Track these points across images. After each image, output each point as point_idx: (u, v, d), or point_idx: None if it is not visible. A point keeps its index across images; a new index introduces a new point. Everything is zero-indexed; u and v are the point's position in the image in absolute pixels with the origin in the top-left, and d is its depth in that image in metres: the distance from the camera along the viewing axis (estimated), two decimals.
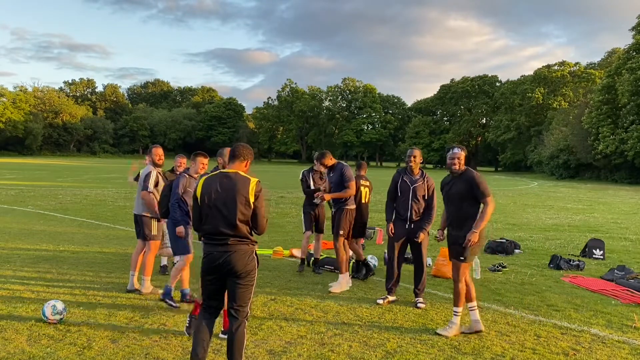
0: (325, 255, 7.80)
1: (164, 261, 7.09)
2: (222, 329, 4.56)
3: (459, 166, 4.94)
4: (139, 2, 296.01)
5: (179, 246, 5.48)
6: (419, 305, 5.67)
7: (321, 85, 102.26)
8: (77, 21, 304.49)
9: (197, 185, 3.60)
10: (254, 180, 3.51)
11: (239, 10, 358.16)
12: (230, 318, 3.52)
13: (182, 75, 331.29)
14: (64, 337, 4.43)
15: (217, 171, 3.64)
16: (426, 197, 5.83)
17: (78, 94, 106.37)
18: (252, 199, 3.46)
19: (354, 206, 6.59)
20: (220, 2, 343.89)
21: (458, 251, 4.86)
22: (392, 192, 5.93)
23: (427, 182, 5.87)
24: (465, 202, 4.86)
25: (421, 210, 5.82)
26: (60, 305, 4.78)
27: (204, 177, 3.62)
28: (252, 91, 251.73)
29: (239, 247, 3.46)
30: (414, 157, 5.80)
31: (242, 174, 3.56)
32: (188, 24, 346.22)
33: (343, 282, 6.30)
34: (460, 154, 4.94)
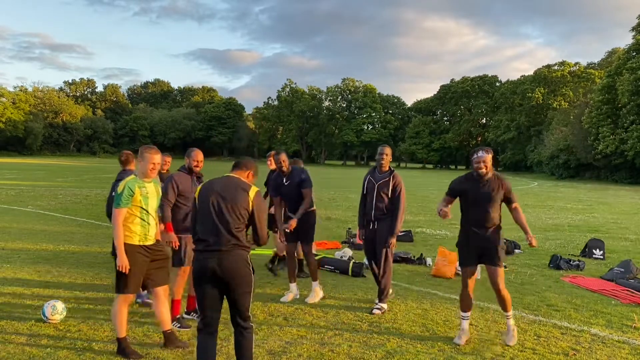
0: (322, 255, 7.80)
1: None
2: (187, 309, 5.02)
3: (486, 169, 4.61)
4: (112, 4, 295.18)
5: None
6: (373, 311, 5.39)
7: (306, 85, 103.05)
8: (55, 21, 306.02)
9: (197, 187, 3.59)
10: (254, 188, 3.49)
11: (212, 12, 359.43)
12: (235, 327, 3.46)
13: (167, 76, 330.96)
14: (64, 337, 4.43)
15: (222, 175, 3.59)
16: (390, 196, 5.46)
17: (78, 94, 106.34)
18: (250, 205, 3.43)
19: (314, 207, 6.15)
20: (194, 3, 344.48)
21: (493, 256, 4.61)
22: (361, 194, 5.75)
23: (393, 179, 5.48)
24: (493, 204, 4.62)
25: (385, 209, 5.47)
26: (60, 306, 4.78)
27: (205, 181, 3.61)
28: (239, 92, 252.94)
29: (234, 252, 3.36)
30: (385, 154, 5.54)
31: (243, 179, 3.55)
32: (164, 26, 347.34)
33: (318, 290, 5.91)
34: (484, 156, 4.61)
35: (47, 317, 4.72)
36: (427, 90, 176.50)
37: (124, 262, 3.97)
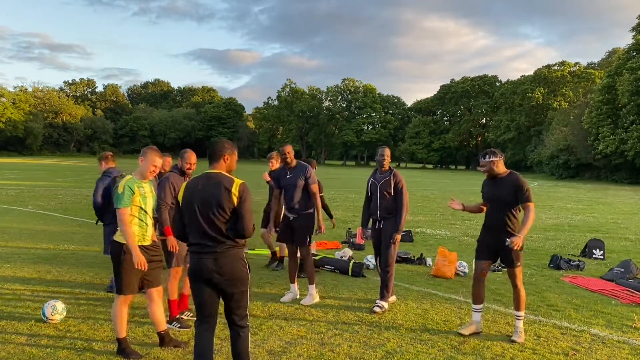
0: (322, 255, 7.80)
1: None
2: (169, 318, 4.80)
3: (489, 173, 4.78)
4: (112, 4, 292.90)
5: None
6: (374, 309, 5.40)
7: (306, 85, 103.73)
8: (55, 21, 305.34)
9: (180, 189, 3.50)
10: (237, 182, 3.34)
11: (212, 12, 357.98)
12: (232, 326, 3.42)
13: (167, 76, 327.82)
14: (64, 337, 4.43)
15: (201, 173, 3.46)
16: (393, 194, 5.56)
17: (78, 94, 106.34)
18: (235, 201, 3.28)
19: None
20: (193, 3, 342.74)
21: (507, 258, 4.72)
22: (366, 196, 5.87)
23: (394, 178, 5.59)
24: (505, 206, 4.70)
25: (389, 208, 5.57)
26: (60, 306, 4.79)
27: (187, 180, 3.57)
28: (239, 92, 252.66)
29: (229, 252, 3.30)
30: (386, 155, 5.68)
31: (225, 174, 3.40)
32: (164, 26, 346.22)
33: (314, 293, 5.84)
34: (484, 161, 4.76)
35: (47, 317, 4.72)
36: (427, 90, 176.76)
37: (140, 259, 3.98)
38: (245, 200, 3.32)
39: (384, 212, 5.63)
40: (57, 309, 4.75)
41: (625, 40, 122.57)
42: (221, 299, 3.44)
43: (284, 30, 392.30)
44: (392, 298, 5.80)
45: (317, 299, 5.83)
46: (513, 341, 4.64)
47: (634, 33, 48.07)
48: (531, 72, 76.45)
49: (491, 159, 4.71)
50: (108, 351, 4.15)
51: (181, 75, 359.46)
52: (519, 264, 4.72)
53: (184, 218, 3.41)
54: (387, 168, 5.71)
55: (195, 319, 3.51)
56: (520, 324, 4.76)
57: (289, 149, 5.81)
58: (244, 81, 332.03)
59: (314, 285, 5.84)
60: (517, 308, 4.78)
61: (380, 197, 5.63)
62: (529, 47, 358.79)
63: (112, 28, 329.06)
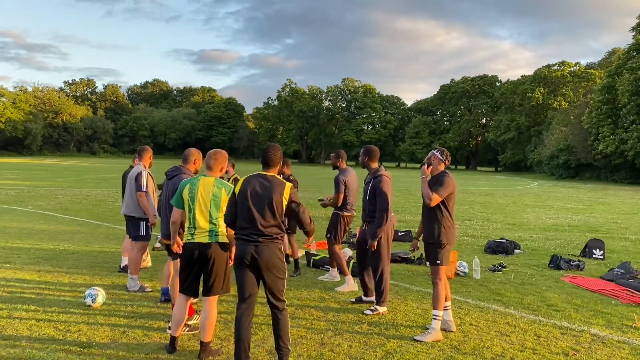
0: (322, 255, 7.80)
1: (124, 261, 6.92)
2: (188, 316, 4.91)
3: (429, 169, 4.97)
4: (90, 1, 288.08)
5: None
6: (365, 311, 5.37)
7: (306, 85, 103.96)
8: (27, 21, 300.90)
9: (236, 184, 3.94)
10: (288, 185, 3.83)
11: (179, 14, 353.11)
12: (271, 306, 3.86)
13: (151, 76, 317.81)
14: (64, 337, 4.43)
15: (256, 172, 3.92)
16: (369, 197, 5.49)
17: (78, 94, 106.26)
18: (285, 202, 3.78)
19: (348, 213, 6.37)
20: (158, 3, 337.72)
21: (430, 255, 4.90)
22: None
23: (373, 180, 5.48)
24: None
25: (371, 211, 5.45)
26: (100, 297, 5.30)
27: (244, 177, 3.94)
28: (225, 92, 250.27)
29: (268, 243, 3.75)
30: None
31: (279, 177, 3.88)
32: (143, 25, 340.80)
33: (350, 283, 6.33)
34: (431, 153, 5.00)
35: (91, 303, 5.22)
36: (425, 90, 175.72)
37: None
38: (293, 200, 3.85)
39: (365, 215, 5.64)
40: (93, 296, 5.26)
41: (598, 40, 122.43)
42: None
43: (254, 32, 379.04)
44: (383, 309, 5.43)
45: (354, 288, 6.30)
46: (416, 340, 4.57)
47: (634, 33, 48.09)
48: (527, 73, 76.39)
49: (435, 154, 4.91)
50: (108, 351, 4.15)
51: (166, 75, 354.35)
52: (438, 262, 4.77)
53: (236, 207, 3.88)
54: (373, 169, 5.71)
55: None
56: (434, 324, 4.67)
57: (332, 155, 6.53)
58: (226, 82, 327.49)
59: (348, 276, 6.37)
60: (433, 306, 4.77)
61: (363, 200, 5.65)
62: (504, 48, 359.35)
63: (84, 28, 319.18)
